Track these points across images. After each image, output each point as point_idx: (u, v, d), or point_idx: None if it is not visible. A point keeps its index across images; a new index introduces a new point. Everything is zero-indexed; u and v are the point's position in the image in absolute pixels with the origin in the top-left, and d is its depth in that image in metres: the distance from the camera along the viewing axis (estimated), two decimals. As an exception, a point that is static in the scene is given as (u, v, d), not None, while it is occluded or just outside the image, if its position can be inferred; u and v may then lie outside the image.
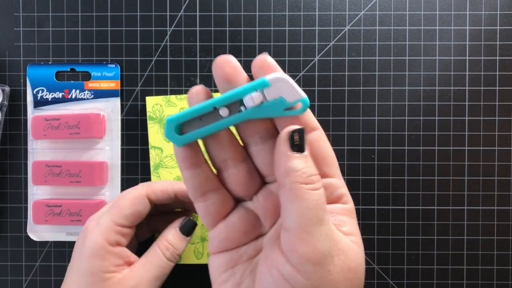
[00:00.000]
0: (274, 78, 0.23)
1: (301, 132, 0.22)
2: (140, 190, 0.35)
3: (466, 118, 0.46)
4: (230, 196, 0.26)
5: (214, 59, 0.24)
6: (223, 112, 0.23)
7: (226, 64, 0.23)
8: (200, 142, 0.25)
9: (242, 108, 0.23)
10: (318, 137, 0.24)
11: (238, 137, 0.26)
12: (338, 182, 0.25)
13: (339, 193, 0.25)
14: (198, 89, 0.24)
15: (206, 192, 0.25)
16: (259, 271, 0.24)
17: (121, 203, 0.34)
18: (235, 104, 0.23)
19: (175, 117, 0.23)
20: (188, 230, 0.36)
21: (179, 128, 0.23)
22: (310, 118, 0.24)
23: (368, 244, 0.46)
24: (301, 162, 0.22)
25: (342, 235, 0.23)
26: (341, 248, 0.22)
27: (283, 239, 0.23)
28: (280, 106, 0.23)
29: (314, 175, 0.22)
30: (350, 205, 0.25)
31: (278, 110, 0.23)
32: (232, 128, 0.26)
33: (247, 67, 0.46)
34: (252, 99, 0.23)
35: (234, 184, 0.25)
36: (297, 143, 0.22)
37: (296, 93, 0.23)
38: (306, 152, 0.23)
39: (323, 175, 0.24)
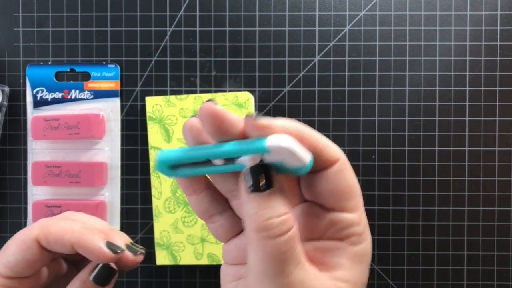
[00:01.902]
0: (275, 146, 0.19)
1: (259, 169, 0.20)
2: (30, 233, 0.26)
3: (467, 118, 0.46)
4: (235, 217, 0.24)
5: (202, 105, 0.21)
6: (217, 161, 0.21)
7: (219, 114, 0.20)
8: None
9: (237, 161, 0.21)
10: (336, 172, 0.21)
11: None
12: (353, 218, 0.21)
13: (351, 231, 0.21)
14: (192, 125, 0.21)
15: (213, 215, 0.23)
16: None
17: (7, 248, 0.26)
18: (230, 159, 0.21)
19: (167, 157, 0.21)
20: (104, 279, 0.26)
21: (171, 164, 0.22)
22: (328, 152, 0.21)
23: (368, 245, 0.46)
24: (256, 205, 0.19)
25: (319, 280, 0.20)
26: None
27: (246, 280, 0.21)
28: (279, 166, 0.21)
29: (273, 217, 0.19)
30: (360, 247, 0.22)
31: (276, 168, 0.21)
32: None
33: (247, 67, 0.46)
34: (248, 161, 0.20)
35: (240, 211, 0.24)
36: (255, 182, 0.20)
37: (298, 159, 0.20)
38: (269, 190, 0.20)
39: (337, 208, 0.21)
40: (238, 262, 0.24)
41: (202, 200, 0.23)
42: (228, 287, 0.24)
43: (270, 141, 0.19)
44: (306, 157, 0.20)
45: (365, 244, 0.22)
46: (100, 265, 0.26)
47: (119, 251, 0.26)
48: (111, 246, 0.25)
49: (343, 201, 0.21)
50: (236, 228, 0.24)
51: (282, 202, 0.20)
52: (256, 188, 0.20)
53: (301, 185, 0.23)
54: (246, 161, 0.20)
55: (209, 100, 0.20)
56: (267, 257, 0.19)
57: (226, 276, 0.24)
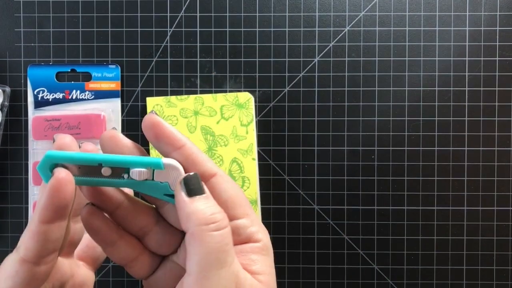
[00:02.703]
0: (169, 165, 0.23)
1: (194, 177, 0.23)
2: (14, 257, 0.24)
3: (466, 118, 0.46)
4: (152, 255, 0.26)
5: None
6: (105, 171, 0.23)
7: (114, 136, 0.24)
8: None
9: (125, 175, 0.23)
10: (216, 183, 0.24)
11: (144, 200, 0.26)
12: (246, 222, 0.24)
13: (248, 233, 0.24)
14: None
15: (131, 260, 0.25)
16: None
17: None
18: (120, 169, 0.23)
19: (56, 155, 0.22)
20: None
21: (55, 166, 0.22)
22: (207, 166, 0.24)
23: (368, 244, 0.46)
24: (200, 204, 0.22)
25: (248, 275, 0.23)
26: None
27: (184, 284, 0.22)
28: (162, 190, 0.23)
29: (216, 212, 0.22)
30: (262, 242, 0.25)
31: (158, 192, 0.23)
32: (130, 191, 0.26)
33: (247, 67, 0.46)
34: (139, 174, 0.23)
35: (156, 247, 0.26)
36: (193, 187, 0.22)
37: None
38: (205, 194, 0.23)
39: (229, 217, 0.24)
40: None
41: (118, 250, 0.25)
42: None
43: (167, 160, 0.23)
44: None
45: (265, 239, 0.25)
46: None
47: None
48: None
49: (229, 210, 0.24)
50: (153, 264, 0.26)
51: (215, 202, 0.23)
52: (197, 192, 0.22)
53: None
54: (136, 174, 0.22)
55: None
56: (213, 248, 0.21)
57: None
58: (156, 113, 0.24)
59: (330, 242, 0.46)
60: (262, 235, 0.25)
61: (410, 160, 0.46)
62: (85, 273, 0.28)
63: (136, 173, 0.23)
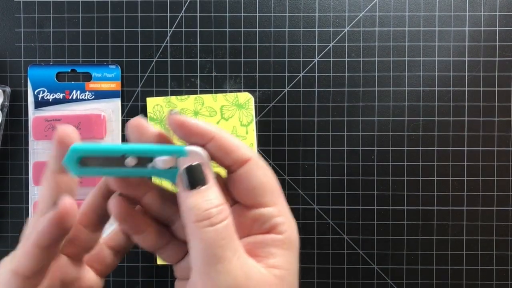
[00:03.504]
0: (192, 151, 0.23)
1: (194, 168, 0.22)
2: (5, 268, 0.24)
3: (466, 118, 0.46)
4: (181, 241, 0.26)
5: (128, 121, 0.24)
6: (130, 161, 0.23)
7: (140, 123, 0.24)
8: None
9: (150, 165, 0.23)
10: (249, 169, 0.24)
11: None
12: (272, 211, 0.24)
13: (273, 223, 0.24)
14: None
15: (161, 247, 0.26)
16: None
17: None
18: (144, 159, 0.23)
19: (81, 148, 0.22)
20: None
21: (81, 158, 0.22)
22: (239, 152, 0.23)
23: (368, 244, 0.46)
24: (195, 199, 0.22)
25: (260, 269, 0.22)
26: (251, 282, 0.22)
27: (191, 278, 0.23)
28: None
29: (211, 207, 0.21)
30: (285, 235, 0.24)
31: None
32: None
33: (247, 67, 0.46)
34: (164, 162, 0.23)
35: (184, 234, 0.25)
36: (193, 179, 0.22)
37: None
38: (207, 184, 0.22)
39: (256, 205, 0.24)
40: (188, 277, 0.25)
41: (148, 237, 0.25)
42: None
43: (190, 147, 0.23)
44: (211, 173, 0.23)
45: (290, 232, 0.24)
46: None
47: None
48: None
49: (258, 197, 0.24)
50: (182, 251, 0.26)
51: (216, 195, 0.22)
52: (193, 185, 0.22)
53: (229, 189, 0.25)
54: (160, 162, 0.22)
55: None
56: (209, 244, 0.21)
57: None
58: (176, 112, 0.24)
59: (330, 242, 0.46)
60: (287, 227, 0.24)
61: (410, 160, 0.46)
62: (93, 279, 0.28)
63: (161, 161, 0.23)
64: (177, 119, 0.23)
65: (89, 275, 0.28)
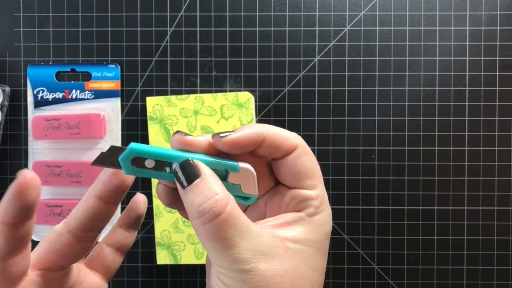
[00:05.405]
0: (245, 168, 0.24)
1: (184, 166, 0.22)
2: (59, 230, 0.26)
3: (466, 118, 0.46)
4: None
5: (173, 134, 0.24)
6: (149, 163, 0.23)
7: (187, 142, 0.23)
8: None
9: (168, 169, 0.23)
10: (295, 156, 0.24)
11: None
12: (310, 194, 0.24)
13: (307, 204, 0.24)
14: (184, 141, 0.23)
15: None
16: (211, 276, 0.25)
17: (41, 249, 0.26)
18: (163, 163, 0.23)
19: (140, 149, 0.22)
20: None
21: (135, 158, 0.23)
22: (286, 143, 0.24)
23: (368, 244, 0.46)
24: (189, 197, 0.22)
25: (269, 240, 0.23)
26: (262, 257, 0.22)
27: (211, 267, 0.23)
28: (234, 191, 0.24)
29: (204, 202, 0.21)
30: (316, 218, 0.24)
31: (230, 192, 0.24)
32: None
33: (247, 67, 0.46)
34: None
35: None
36: (182, 179, 0.22)
37: (254, 188, 0.24)
38: (199, 178, 0.22)
39: (298, 187, 0.25)
40: None
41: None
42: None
43: (242, 164, 0.24)
44: (256, 190, 0.24)
45: (321, 216, 0.25)
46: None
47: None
48: None
49: (300, 180, 0.24)
50: None
51: (210, 186, 0.22)
52: (187, 181, 0.22)
53: (273, 170, 0.26)
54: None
55: (177, 132, 0.23)
56: (211, 238, 0.21)
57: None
58: (181, 132, 0.23)
59: (330, 242, 0.46)
60: (319, 211, 0.25)
61: (410, 160, 0.46)
62: (96, 281, 0.28)
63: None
64: (228, 141, 0.23)
65: (92, 278, 0.28)
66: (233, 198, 0.23)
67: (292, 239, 0.23)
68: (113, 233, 0.29)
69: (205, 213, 0.21)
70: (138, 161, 0.23)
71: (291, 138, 0.25)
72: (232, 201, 0.22)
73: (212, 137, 0.23)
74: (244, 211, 0.27)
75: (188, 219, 0.23)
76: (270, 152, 0.24)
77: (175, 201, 0.24)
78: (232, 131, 0.23)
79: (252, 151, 0.24)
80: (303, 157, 0.25)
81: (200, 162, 0.23)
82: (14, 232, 0.23)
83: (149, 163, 0.23)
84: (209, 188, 0.22)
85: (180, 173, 0.22)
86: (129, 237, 0.30)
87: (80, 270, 0.27)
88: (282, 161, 0.24)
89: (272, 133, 0.24)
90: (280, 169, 0.25)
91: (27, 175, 0.22)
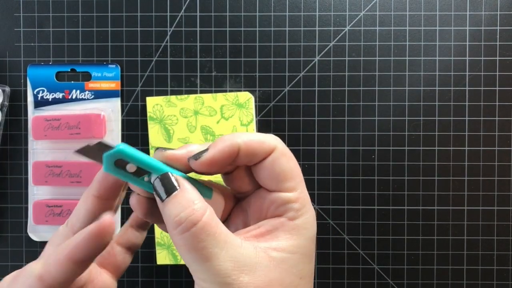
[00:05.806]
0: (217, 197, 0.25)
1: (163, 179, 0.22)
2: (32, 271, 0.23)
3: (466, 118, 0.46)
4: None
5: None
6: (130, 167, 0.23)
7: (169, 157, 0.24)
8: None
9: (146, 178, 0.23)
10: (273, 157, 0.24)
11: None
12: (290, 196, 0.24)
13: (287, 208, 0.24)
14: (169, 156, 0.24)
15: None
16: None
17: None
18: (143, 171, 0.23)
19: (127, 152, 0.22)
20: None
21: (118, 160, 0.23)
22: (264, 145, 0.24)
23: (368, 244, 0.46)
24: (167, 209, 0.22)
25: (251, 251, 0.22)
26: (243, 268, 0.21)
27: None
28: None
29: (181, 212, 0.21)
30: (297, 221, 0.24)
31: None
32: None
33: (247, 67, 0.46)
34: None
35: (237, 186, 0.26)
36: (160, 192, 0.22)
37: (218, 215, 0.25)
38: (176, 191, 0.22)
39: (277, 190, 0.24)
40: None
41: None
42: None
43: (215, 193, 0.25)
44: (219, 216, 0.25)
45: (304, 219, 0.24)
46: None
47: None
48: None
49: (279, 183, 0.24)
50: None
51: (188, 197, 0.22)
52: (166, 193, 0.22)
53: (253, 174, 0.25)
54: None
55: (157, 148, 0.24)
56: (189, 248, 0.21)
57: None
58: (163, 149, 0.24)
59: (330, 242, 0.46)
60: (301, 214, 0.24)
61: (410, 160, 0.46)
62: (107, 280, 0.28)
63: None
64: (203, 162, 0.23)
65: (103, 277, 0.28)
66: (212, 209, 0.22)
67: (276, 248, 0.23)
68: (124, 233, 0.30)
69: (182, 223, 0.21)
70: (121, 162, 0.23)
71: (267, 141, 0.24)
72: (210, 211, 0.22)
73: (188, 160, 0.23)
74: (229, 216, 0.27)
75: (167, 231, 0.23)
76: (248, 160, 0.24)
77: (150, 212, 0.24)
78: (207, 149, 0.23)
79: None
80: (281, 159, 0.24)
81: (179, 176, 0.23)
82: (76, 268, 0.23)
83: (131, 168, 0.23)
84: (187, 199, 0.22)
85: (158, 186, 0.22)
86: (139, 237, 0.30)
87: (91, 269, 0.28)
88: (260, 164, 0.24)
89: (246, 140, 0.23)
90: (259, 173, 0.24)
91: (106, 220, 0.22)
